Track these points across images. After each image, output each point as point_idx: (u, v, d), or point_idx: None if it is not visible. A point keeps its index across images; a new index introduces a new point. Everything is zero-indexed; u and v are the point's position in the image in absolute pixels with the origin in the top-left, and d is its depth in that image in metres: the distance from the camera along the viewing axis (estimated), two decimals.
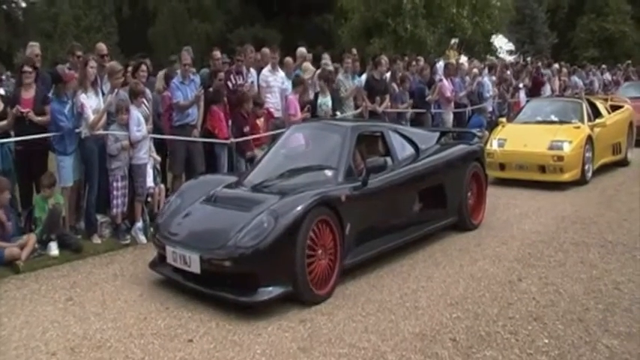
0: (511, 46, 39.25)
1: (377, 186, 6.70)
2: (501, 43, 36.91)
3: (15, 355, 4.77)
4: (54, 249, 7.35)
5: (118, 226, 8.06)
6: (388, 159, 7.24)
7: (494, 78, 16.14)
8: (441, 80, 13.79)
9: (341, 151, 6.84)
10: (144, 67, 9.02)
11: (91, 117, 7.79)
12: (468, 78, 15.03)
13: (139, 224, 8.12)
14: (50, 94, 7.99)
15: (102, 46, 9.24)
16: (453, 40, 18.29)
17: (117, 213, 8.01)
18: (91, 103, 7.88)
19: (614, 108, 13.85)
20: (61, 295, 6.11)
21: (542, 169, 11.11)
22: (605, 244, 7.41)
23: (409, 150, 7.77)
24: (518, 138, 11.67)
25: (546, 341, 4.83)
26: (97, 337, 5.07)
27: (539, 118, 12.45)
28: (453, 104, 14.01)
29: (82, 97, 7.81)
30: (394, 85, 12.66)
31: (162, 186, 8.91)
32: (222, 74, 9.54)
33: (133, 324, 5.34)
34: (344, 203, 6.08)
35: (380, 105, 12.02)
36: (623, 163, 13.27)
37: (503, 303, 5.64)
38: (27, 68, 7.91)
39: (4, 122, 7.66)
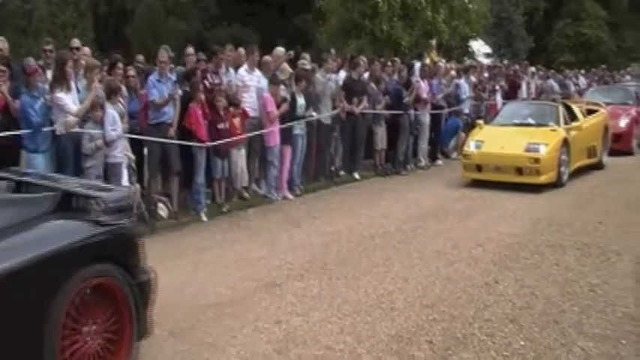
0: (488, 49, 39.45)
1: None
2: (478, 45, 37.08)
3: None
4: None
5: None
6: None
7: (473, 79, 16.20)
8: (417, 82, 13.81)
9: None
10: (120, 64, 8.95)
11: (74, 109, 7.70)
12: (444, 80, 15.08)
13: None
14: (22, 89, 7.88)
15: (75, 40, 9.19)
16: (433, 42, 18.32)
17: None
18: (67, 100, 7.79)
19: (590, 112, 13.85)
20: None
21: (519, 171, 11.08)
22: (580, 247, 7.44)
23: None
24: (496, 140, 11.69)
25: (522, 343, 4.83)
26: None
27: (516, 121, 12.46)
28: (429, 106, 14.06)
29: (57, 95, 7.71)
30: (372, 85, 12.66)
31: (137, 186, 8.82)
32: (199, 72, 9.47)
33: None
34: None
35: (357, 106, 12.02)
36: (599, 166, 13.29)
37: (480, 305, 5.64)
38: (0, 67, 7.83)
39: None
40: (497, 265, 6.80)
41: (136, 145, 8.91)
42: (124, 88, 8.75)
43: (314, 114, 11.20)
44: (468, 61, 20.84)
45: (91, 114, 7.89)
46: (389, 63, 14.22)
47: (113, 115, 8.00)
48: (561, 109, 12.45)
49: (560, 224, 8.55)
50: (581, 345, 4.80)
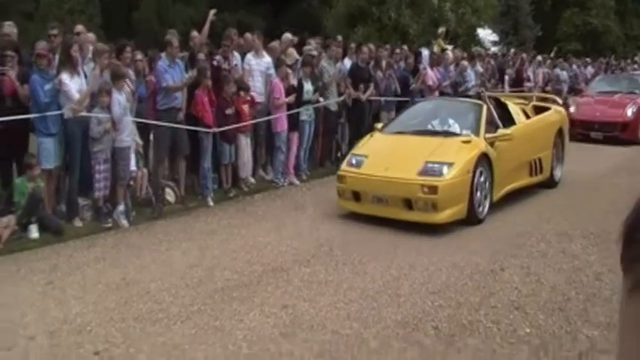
0: (495, 37, 39.32)
1: None
2: (485, 34, 36.96)
3: None
4: (34, 232, 7.27)
5: (100, 209, 7.98)
6: None
7: (479, 67, 16.16)
8: (425, 69, 13.81)
9: None
10: (128, 48, 8.95)
11: (76, 96, 7.71)
12: (452, 67, 15.06)
13: (121, 207, 8.05)
14: (33, 68, 7.90)
15: (78, 26, 9.19)
16: (441, 29, 18.22)
17: (99, 196, 7.93)
18: (74, 84, 7.81)
19: (540, 110, 10.77)
20: (41, 278, 6.05)
21: (408, 204, 7.74)
22: (587, 235, 7.43)
23: None
24: (383, 156, 8.32)
25: (528, 330, 4.86)
26: (78, 321, 5.03)
27: (418, 127, 8.99)
28: (437, 93, 14.04)
29: (65, 78, 7.72)
30: (379, 73, 12.65)
31: (144, 170, 8.86)
32: (202, 55, 9.45)
33: (114, 308, 5.31)
34: None
35: (364, 93, 12.02)
36: (549, 184, 10.08)
37: (486, 292, 5.66)
38: (9, 52, 7.84)
39: None
40: (503, 253, 6.81)
41: (142, 131, 8.94)
42: (131, 73, 8.75)
43: (321, 99, 11.20)
44: (475, 49, 20.73)
45: (98, 99, 7.91)
46: (396, 50, 14.22)
47: (119, 100, 8.01)
48: (485, 109, 8.89)
49: (567, 213, 8.52)
50: (586, 333, 4.82)
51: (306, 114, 10.78)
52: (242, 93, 9.70)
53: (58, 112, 7.76)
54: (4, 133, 7.71)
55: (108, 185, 7.99)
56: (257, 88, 10.30)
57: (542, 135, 9.92)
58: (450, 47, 17.21)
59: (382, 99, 12.63)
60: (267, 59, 10.58)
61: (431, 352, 4.52)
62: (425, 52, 15.33)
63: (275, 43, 11.31)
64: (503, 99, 10.12)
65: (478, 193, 7.98)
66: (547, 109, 10.94)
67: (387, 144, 8.75)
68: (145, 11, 27.35)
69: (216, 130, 9.16)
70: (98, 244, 7.23)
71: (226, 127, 9.28)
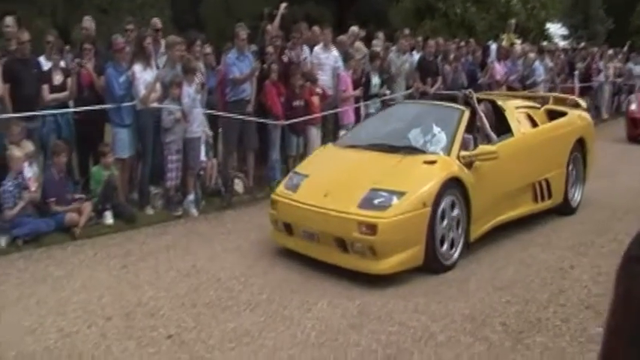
0: (565, 31, 38.40)
1: None
2: (555, 28, 36.09)
3: (74, 317, 4.94)
4: (109, 218, 7.53)
5: (171, 198, 8.19)
6: None
7: (548, 62, 15.85)
8: (492, 62, 13.65)
9: None
10: (198, 42, 9.14)
11: (142, 91, 7.93)
12: (519, 61, 14.82)
13: (191, 197, 8.24)
14: (108, 62, 8.19)
15: (156, 21, 9.46)
16: (511, 22, 17.89)
17: (170, 185, 8.14)
18: (146, 76, 8.03)
19: (555, 115, 8.41)
20: (116, 262, 6.27)
21: (343, 245, 5.83)
22: None
23: None
24: (325, 177, 6.54)
25: (599, 330, 4.78)
26: (151, 305, 5.21)
27: (376, 141, 6.94)
28: (504, 88, 13.84)
29: (137, 71, 7.95)
30: (446, 66, 12.56)
31: (214, 160, 9.04)
32: (271, 48, 9.56)
33: (185, 294, 5.46)
34: None
35: (431, 86, 11.96)
36: (563, 210, 8.07)
37: (554, 290, 5.59)
38: (87, 45, 8.18)
39: (66, 93, 7.88)
40: (573, 250, 6.69)
41: (212, 122, 9.12)
42: (201, 65, 8.92)
43: (387, 92, 11.20)
44: (544, 44, 20.32)
45: (170, 91, 8.10)
46: (462, 43, 14.09)
47: (189, 91, 8.18)
48: (467, 117, 6.89)
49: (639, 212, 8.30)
50: None
51: (373, 107, 10.80)
52: (309, 84, 9.77)
53: (132, 103, 8.01)
54: (82, 123, 8.03)
55: (179, 175, 8.20)
56: (325, 81, 10.36)
57: (552, 149, 7.82)
58: (519, 41, 16.93)
59: (449, 92, 12.51)
60: (334, 53, 10.63)
61: (499, 347, 4.50)
62: (493, 46, 15.15)
63: (343, 37, 11.37)
64: (500, 102, 7.77)
65: (444, 233, 6.03)
66: (564, 114, 8.50)
67: (335, 161, 6.96)
68: (212, 3, 27.76)
69: (284, 122, 9.26)
70: (169, 232, 7.44)
71: (294, 120, 9.37)
